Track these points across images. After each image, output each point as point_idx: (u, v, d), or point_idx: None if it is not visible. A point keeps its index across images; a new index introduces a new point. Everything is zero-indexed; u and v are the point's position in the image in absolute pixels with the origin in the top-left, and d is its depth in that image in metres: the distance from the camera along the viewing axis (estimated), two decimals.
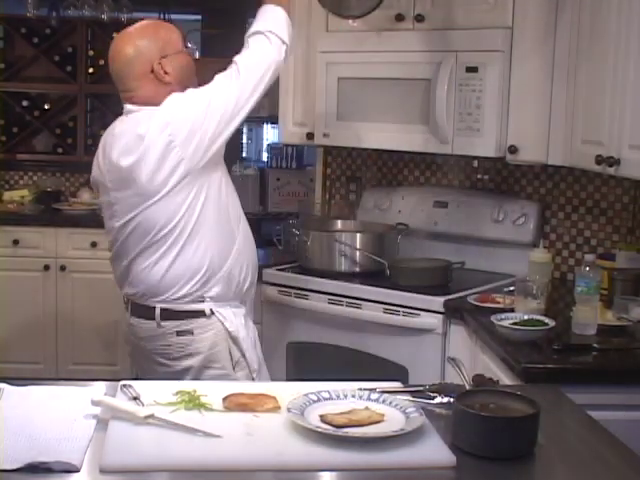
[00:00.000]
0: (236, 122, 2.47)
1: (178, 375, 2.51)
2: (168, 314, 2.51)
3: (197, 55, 2.69)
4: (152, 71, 2.47)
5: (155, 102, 2.45)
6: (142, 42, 2.48)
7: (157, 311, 2.52)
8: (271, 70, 2.50)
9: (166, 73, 2.47)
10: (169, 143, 2.38)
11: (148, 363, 2.61)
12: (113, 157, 2.47)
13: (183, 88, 2.48)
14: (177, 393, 1.83)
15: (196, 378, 2.50)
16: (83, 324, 4.78)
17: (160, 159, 2.39)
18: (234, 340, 2.54)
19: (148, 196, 2.42)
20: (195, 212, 2.46)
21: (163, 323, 2.52)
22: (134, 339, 2.63)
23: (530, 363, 2.29)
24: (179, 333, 2.52)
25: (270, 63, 2.50)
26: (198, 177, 2.44)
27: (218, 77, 2.47)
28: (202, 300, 2.52)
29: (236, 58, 2.49)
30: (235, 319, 2.56)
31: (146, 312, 2.54)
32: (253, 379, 2.57)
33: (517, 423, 1.62)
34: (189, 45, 2.64)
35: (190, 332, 2.51)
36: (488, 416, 1.63)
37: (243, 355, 2.56)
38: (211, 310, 2.52)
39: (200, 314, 2.52)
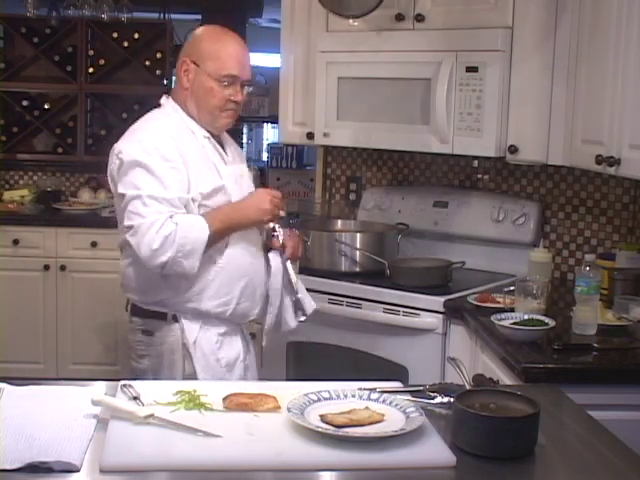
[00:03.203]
0: None
1: (141, 375, 2.49)
2: (136, 310, 2.53)
3: (241, 97, 2.50)
4: (181, 65, 2.49)
5: (175, 96, 2.52)
6: (199, 37, 2.50)
7: (129, 306, 2.55)
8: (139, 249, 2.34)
9: (187, 79, 2.47)
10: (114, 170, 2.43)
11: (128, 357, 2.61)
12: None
13: (197, 105, 2.48)
14: (177, 393, 1.83)
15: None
16: (83, 324, 4.78)
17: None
18: (188, 354, 2.45)
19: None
20: None
21: (133, 319, 2.54)
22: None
23: (530, 363, 2.29)
24: (143, 331, 2.51)
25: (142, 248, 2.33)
26: None
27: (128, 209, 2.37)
28: (165, 304, 2.46)
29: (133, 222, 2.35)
30: (197, 334, 2.46)
31: (127, 305, 2.58)
32: None
33: (517, 423, 1.62)
34: (248, 89, 2.51)
35: (151, 333, 2.49)
36: (488, 416, 1.63)
37: (195, 373, 2.44)
38: (173, 316, 2.46)
39: (162, 316, 2.47)
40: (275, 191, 2.58)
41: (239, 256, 2.49)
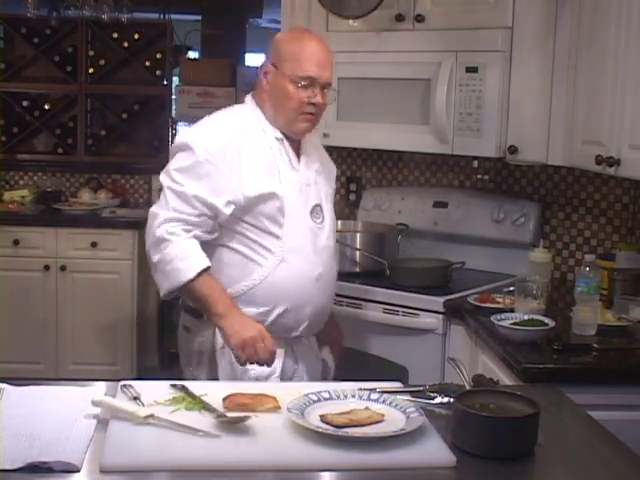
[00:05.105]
0: None
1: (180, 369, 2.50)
2: (184, 304, 2.46)
3: (323, 100, 2.41)
4: (262, 68, 2.44)
5: (255, 97, 2.45)
6: (279, 40, 2.44)
7: (181, 299, 2.47)
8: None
9: (267, 81, 2.41)
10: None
11: None
12: None
13: (274, 108, 2.40)
14: (176, 392, 1.83)
15: None
16: (83, 324, 4.78)
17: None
18: (214, 359, 2.37)
19: None
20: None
21: (181, 312, 2.49)
22: None
23: (530, 363, 2.29)
24: (184, 327, 2.47)
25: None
26: None
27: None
28: None
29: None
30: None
31: (180, 298, 2.51)
32: None
33: (517, 423, 1.62)
34: (332, 93, 2.43)
35: (188, 329, 2.45)
36: (488, 416, 1.63)
37: (217, 380, 2.35)
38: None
39: (199, 315, 2.39)
40: (269, 344, 2.21)
41: (292, 276, 2.37)
